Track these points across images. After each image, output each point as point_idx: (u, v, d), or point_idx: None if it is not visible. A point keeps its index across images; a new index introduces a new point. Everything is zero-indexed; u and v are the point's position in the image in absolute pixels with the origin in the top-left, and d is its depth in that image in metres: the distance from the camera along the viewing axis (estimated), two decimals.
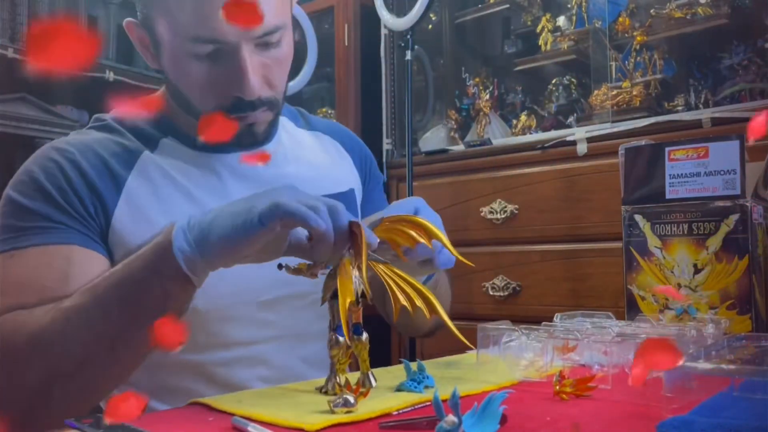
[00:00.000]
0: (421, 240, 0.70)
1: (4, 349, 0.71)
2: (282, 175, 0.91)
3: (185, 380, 0.86)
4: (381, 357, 2.05)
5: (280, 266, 0.70)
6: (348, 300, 0.62)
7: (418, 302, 0.66)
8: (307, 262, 0.70)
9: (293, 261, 0.71)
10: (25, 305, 0.75)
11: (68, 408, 0.69)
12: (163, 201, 0.85)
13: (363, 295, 0.65)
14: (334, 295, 0.64)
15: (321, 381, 0.70)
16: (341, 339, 0.65)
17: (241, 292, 0.86)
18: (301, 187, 0.90)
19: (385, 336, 2.13)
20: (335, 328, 0.66)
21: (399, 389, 0.66)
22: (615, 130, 1.79)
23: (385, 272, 0.68)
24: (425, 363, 0.76)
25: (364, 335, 0.65)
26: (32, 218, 0.80)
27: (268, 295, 0.88)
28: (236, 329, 0.87)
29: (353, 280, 0.64)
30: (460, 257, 0.74)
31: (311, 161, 0.98)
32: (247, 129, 0.86)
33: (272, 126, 0.91)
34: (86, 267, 0.79)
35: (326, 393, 0.66)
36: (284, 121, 0.99)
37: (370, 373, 0.68)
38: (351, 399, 0.57)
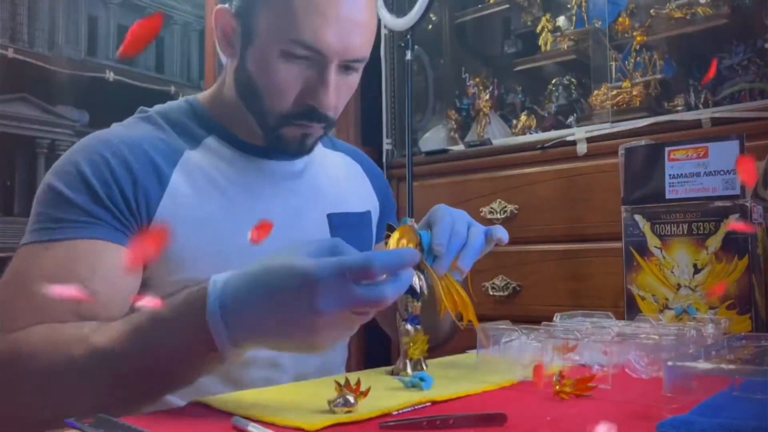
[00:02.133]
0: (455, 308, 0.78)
1: (28, 366, 0.70)
2: (316, 187, 0.96)
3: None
4: (381, 357, 2.05)
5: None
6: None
7: (460, 307, 0.77)
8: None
9: None
10: (52, 306, 0.74)
11: None
12: (202, 202, 0.86)
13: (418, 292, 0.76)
14: (407, 291, 0.71)
15: (316, 382, 0.72)
16: (410, 328, 0.76)
17: None
18: (326, 203, 0.96)
19: (385, 336, 2.13)
20: (406, 319, 0.77)
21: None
22: (615, 130, 1.79)
23: (445, 281, 0.77)
24: (427, 362, 0.78)
25: (419, 326, 0.77)
26: (73, 211, 0.80)
27: None
28: None
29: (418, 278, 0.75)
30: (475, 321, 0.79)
31: (337, 179, 1.02)
32: (301, 138, 0.89)
33: (316, 143, 0.94)
34: (117, 264, 0.79)
35: (395, 374, 0.76)
36: None
37: (422, 358, 0.78)
38: (351, 399, 0.57)
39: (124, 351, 0.66)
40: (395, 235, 0.76)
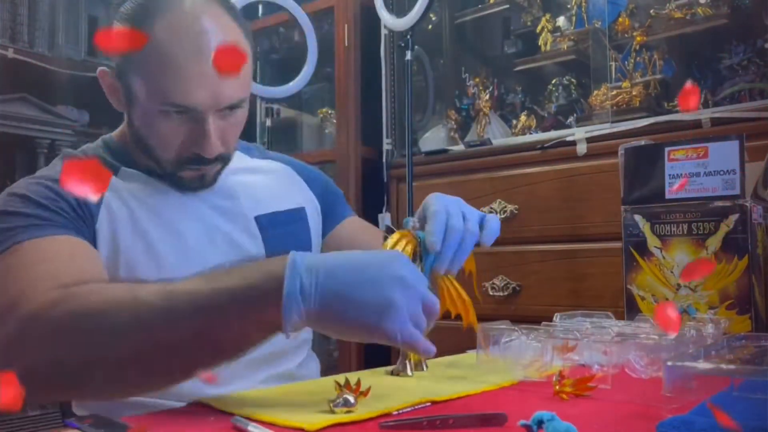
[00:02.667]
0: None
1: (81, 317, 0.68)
2: (234, 195, 0.98)
3: None
4: (381, 356, 2.05)
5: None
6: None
7: (461, 308, 0.78)
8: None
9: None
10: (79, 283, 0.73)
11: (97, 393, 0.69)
12: (132, 215, 0.90)
13: None
14: None
15: (316, 382, 0.71)
16: None
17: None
18: (250, 207, 0.99)
19: None
20: None
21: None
22: (615, 130, 1.79)
23: (445, 281, 0.79)
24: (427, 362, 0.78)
25: None
26: (23, 219, 0.82)
27: None
28: None
29: None
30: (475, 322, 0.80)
31: (261, 183, 1.04)
32: (199, 177, 0.93)
33: (219, 174, 0.97)
34: (84, 251, 0.82)
35: (396, 375, 0.76)
36: (237, 155, 1.03)
37: (422, 359, 0.79)
38: (351, 399, 0.58)
39: (172, 313, 0.65)
40: (394, 237, 0.76)
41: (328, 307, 0.62)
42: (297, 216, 1.05)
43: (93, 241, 0.86)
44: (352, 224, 1.13)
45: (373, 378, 0.75)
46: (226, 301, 0.64)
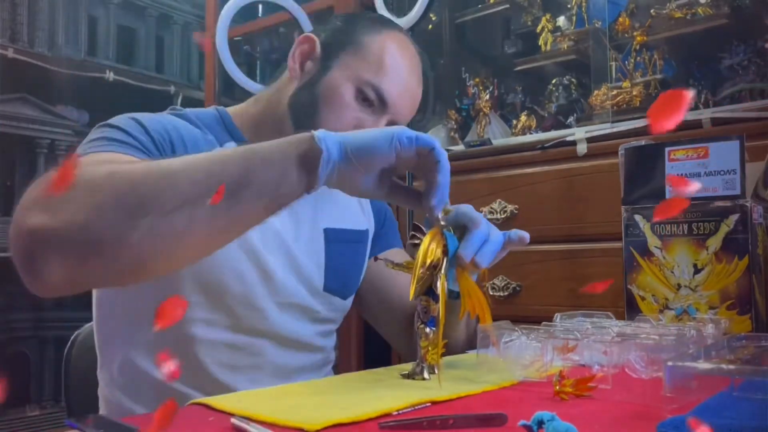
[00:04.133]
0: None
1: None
2: (318, 204, 1.03)
3: (199, 354, 0.91)
4: (381, 357, 2.05)
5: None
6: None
7: (479, 310, 0.78)
8: (410, 260, 0.79)
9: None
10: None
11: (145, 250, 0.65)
12: None
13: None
14: (428, 292, 0.76)
15: (316, 382, 0.71)
16: (429, 331, 0.76)
17: (268, 286, 0.94)
18: (325, 219, 1.04)
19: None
20: (426, 321, 0.77)
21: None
22: (615, 130, 1.79)
23: (464, 279, 0.78)
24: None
25: (435, 328, 0.78)
26: (130, 138, 0.84)
27: (286, 299, 0.97)
28: (254, 318, 0.94)
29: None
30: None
31: (338, 198, 1.06)
32: None
33: None
34: None
35: (411, 378, 0.75)
36: None
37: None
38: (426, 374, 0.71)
39: (213, 167, 0.68)
40: (425, 241, 0.76)
41: (349, 143, 0.70)
42: (360, 237, 1.09)
43: None
44: (397, 255, 1.13)
45: (375, 378, 0.75)
46: (264, 149, 0.70)
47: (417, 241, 0.81)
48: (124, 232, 0.63)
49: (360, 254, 1.09)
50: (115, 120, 0.88)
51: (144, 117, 0.89)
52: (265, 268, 0.94)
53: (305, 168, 0.69)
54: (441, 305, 0.74)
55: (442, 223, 0.77)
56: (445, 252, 0.76)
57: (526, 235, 0.88)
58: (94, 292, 0.99)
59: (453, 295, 0.78)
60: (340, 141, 0.70)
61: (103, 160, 0.74)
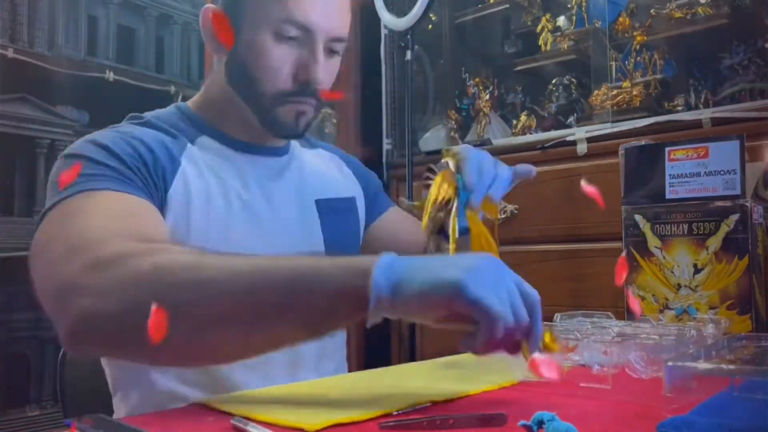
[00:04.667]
0: None
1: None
2: (301, 177, 1.01)
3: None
4: (381, 357, 2.05)
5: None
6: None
7: (487, 250, 0.78)
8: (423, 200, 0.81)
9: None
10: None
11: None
12: (207, 186, 0.90)
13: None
14: (439, 232, 0.79)
15: (316, 382, 0.71)
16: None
17: None
18: (313, 190, 1.01)
19: (384, 336, 2.13)
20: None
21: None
22: (615, 130, 1.79)
23: (474, 220, 0.78)
24: (427, 363, 0.77)
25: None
26: (104, 169, 0.81)
27: None
28: None
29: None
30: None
31: (319, 169, 1.07)
32: (295, 117, 0.94)
33: (309, 126, 0.98)
34: (152, 215, 0.81)
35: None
36: (292, 141, 1.06)
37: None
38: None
39: (254, 285, 0.63)
40: (437, 180, 0.78)
41: (403, 300, 0.59)
42: (350, 205, 1.08)
43: (161, 207, 0.85)
44: (394, 215, 1.15)
45: (375, 378, 0.75)
46: (311, 273, 0.63)
47: (430, 181, 0.82)
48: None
49: (353, 222, 1.08)
50: (82, 149, 0.84)
51: (107, 139, 0.85)
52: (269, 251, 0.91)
53: (353, 305, 0.61)
54: (451, 242, 0.76)
55: (452, 167, 0.79)
56: (457, 191, 0.77)
57: (533, 168, 0.90)
58: None
59: (464, 231, 0.78)
60: (394, 285, 0.59)
61: (132, 233, 0.72)
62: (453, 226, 0.75)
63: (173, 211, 0.86)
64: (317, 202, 1.01)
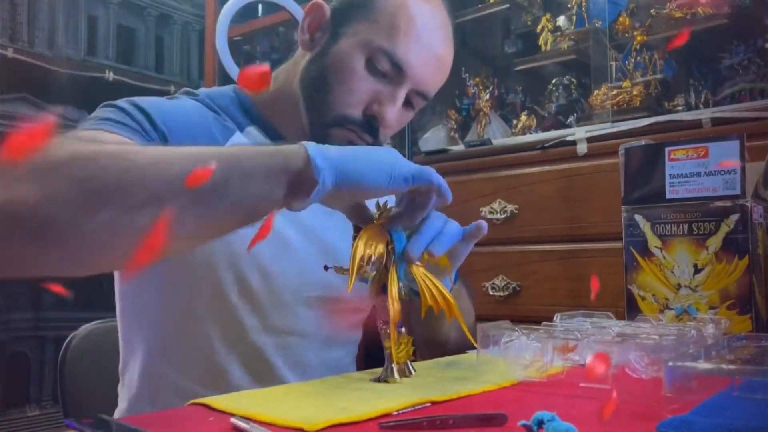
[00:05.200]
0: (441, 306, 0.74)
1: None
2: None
3: (220, 356, 0.89)
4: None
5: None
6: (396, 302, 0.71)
7: (442, 304, 0.73)
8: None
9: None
10: None
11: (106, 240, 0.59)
12: None
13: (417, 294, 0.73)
14: (385, 292, 0.72)
15: (315, 382, 0.71)
16: (401, 331, 0.73)
17: (294, 282, 0.90)
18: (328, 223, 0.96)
19: None
20: (388, 322, 0.72)
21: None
22: (615, 130, 1.79)
23: (420, 275, 0.73)
24: (427, 363, 0.77)
25: (403, 329, 0.74)
26: (125, 117, 0.79)
27: (315, 292, 0.93)
28: (280, 316, 0.90)
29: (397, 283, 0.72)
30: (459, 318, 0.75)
31: None
32: (345, 143, 0.90)
33: None
34: None
35: (384, 381, 0.72)
36: None
37: (409, 362, 0.75)
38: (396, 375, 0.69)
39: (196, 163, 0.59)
40: (363, 236, 0.71)
41: (345, 175, 0.64)
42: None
43: None
44: None
45: (373, 378, 0.75)
46: (249, 160, 0.63)
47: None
48: (79, 219, 0.58)
49: None
50: (118, 101, 0.83)
51: (145, 101, 0.83)
52: (300, 265, 0.91)
53: (293, 191, 0.63)
54: (390, 304, 0.70)
55: (380, 220, 0.73)
56: (392, 249, 0.72)
57: (484, 224, 0.80)
58: (117, 290, 0.94)
59: (414, 294, 0.74)
60: (336, 171, 0.64)
61: (77, 137, 0.68)
62: (390, 286, 0.70)
63: None
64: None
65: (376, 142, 0.91)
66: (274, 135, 0.94)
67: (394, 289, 0.71)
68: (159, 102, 0.86)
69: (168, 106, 0.86)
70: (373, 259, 0.70)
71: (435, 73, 0.91)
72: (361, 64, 0.87)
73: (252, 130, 0.93)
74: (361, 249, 0.69)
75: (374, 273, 0.72)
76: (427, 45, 0.88)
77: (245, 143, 0.90)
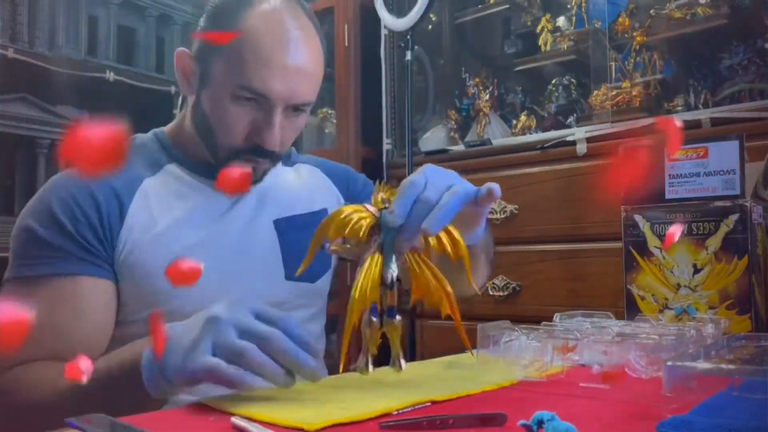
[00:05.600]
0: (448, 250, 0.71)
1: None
2: (263, 199, 1.02)
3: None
4: (381, 355, 2.04)
5: (323, 247, 0.72)
6: (368, 286, 0.67)
7: (435, 293, 0.69)
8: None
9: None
10: (38, 348, 0.82)
11: None
12: (157, 223, 0.93)
13: (398, 280, 0.68)
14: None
15: (319, 382, 0.71)
16: (374, 320, 0.69)
17: (250, 293, 0.92)
18: (273, 211, 1.02)
19: (384, 337, 2.13)
20: (370, 309, 0.69)
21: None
22: (615, 130, 1.79)
23: (413, 259, 0.70)
24: (427, 362, 0.77)
25: (397, 318, 0.70)
26: (47, 247, 0.87)
27: (278, 297, 0.97)
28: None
29: (387, 267, 0.67)
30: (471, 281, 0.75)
31: (288, 187, 1.08)
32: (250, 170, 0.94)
33: (266, 173, 1.01)
34: (94, 298, 0.88)
35: (358, 371, 0.70)
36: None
37: (400, 355, 0.72)
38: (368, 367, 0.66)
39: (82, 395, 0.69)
40: (350, 208, 0.68)
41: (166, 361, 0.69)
42: (316, 219, 1.01)
43: (112, 261, 0.90)
44: None
45: (375, 378, 0.75)
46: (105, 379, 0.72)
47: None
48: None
49: None
50: (31, 222, 0.89)
51: (58, 204, 0.89)
52: (224, 275, 0.94)
53: (142, 395, 0.70)
54: (364, 288, 0.66)
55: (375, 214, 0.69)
56: (373, 225, 0.67)
57: (495, 187, 0.71)
58: None
59: (389, 286, 0.68)
60: (161, 382, 0.70)
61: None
62: (372, 265, 0.66)
63: (125, 261, 0.90)
64: (276, 222, 1.02)
65: (274, 157, 0.96)
66: (191, 166, 0.99)
67: (374, 271, 0.66)
68: (67, 204, 0.90)
69: (76, 200, 0.90)
70: (347, 232, 0.66)
71: (301, 84, 0.91)
72: (228, 101, 0.91)
73: (170, 167, 0.98)
74: (345, 214, 0.67)
75: (350, 247, 0.68)
76: (281, 64, 0.89)
77: (153, 188, 0.95)
